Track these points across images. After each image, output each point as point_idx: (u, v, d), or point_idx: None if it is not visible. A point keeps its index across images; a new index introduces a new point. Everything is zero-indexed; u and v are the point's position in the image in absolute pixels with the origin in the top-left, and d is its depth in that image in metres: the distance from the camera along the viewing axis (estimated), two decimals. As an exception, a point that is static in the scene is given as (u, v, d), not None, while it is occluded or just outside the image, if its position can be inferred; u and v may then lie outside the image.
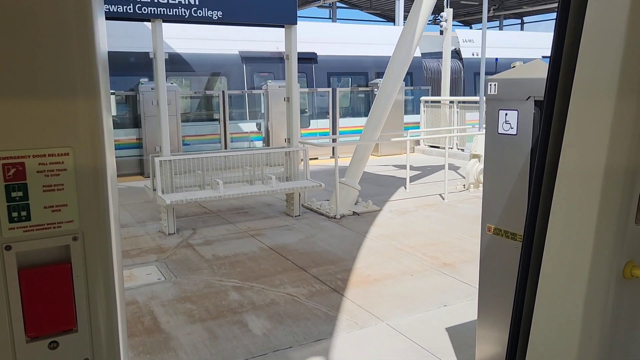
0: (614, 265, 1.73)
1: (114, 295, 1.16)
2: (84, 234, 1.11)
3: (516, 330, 2.07)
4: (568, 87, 1.73)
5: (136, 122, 12.41)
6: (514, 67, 2.96)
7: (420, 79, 16.97)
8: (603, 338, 1.80)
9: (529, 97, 2.76)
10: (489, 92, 2.98)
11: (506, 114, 2.86)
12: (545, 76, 1.87)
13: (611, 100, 1.61)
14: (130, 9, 6.80)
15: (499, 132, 2.93)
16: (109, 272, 1.14)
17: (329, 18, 31.39)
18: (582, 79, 1.69)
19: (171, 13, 6.94)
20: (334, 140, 12.67)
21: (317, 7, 26.93)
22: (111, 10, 6.72)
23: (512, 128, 2.84)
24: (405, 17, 11.50)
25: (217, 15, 7.27)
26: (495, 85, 2.93)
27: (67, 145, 1.07)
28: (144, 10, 6.82)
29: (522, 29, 34.96)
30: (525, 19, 34.51)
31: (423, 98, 15.65)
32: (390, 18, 30.71)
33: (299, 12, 9.82)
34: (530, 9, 29.46)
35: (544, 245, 1.88)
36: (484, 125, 3.18)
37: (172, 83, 12.07)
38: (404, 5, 20.83)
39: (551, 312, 1.89)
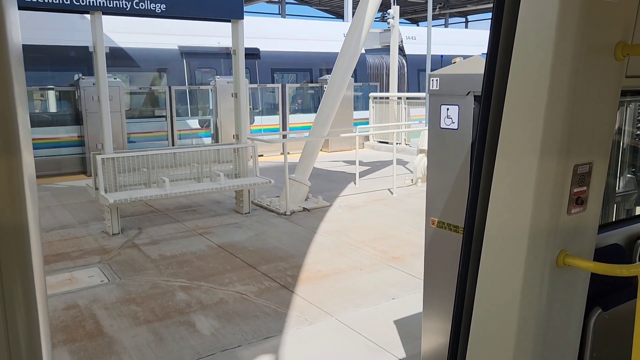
0: (548, 254, 1.79)
1: (34, 302, 1.09)
2: None
3: (458, 319, 2.11)
4: (504, 82, 1.78)
5: (77, 119, 11.93)
6: (455, 62, 3.02)
7: (364, 75, 17.16)
8: (539, 323, 1.86)
9: (469, 92, 2.82)
10: (431, 88, 3.02)
11: (448, 109, 2.91)
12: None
13: (543, 95, 1.66)
14: (67, 0, 6.50)
15: (441, 126, 2.98)
16: (28, 278, 1.07)
17: (279, 14, 31.23)
18: (515, 74, 1.73)
19: (111, 5, 6.68)
20: (283, 137, 12.61)
21: (266, 2, 26.73)
22: (47, 1, 6.41)
23: (453, 123, 2.90)
24: (354, 14, 11.60)
25: (160, 8, 7.06)
26: (437, 80, 2.98)
27: None
28: (82, 1, 6.53)
29: (466, 26, 35.99)
30: (469, 17, 35.55)
31: (372, 94, 15.82)
32: (339, 15, 30.88)
33: (248, 8, 9.68)
34: (474, 7, 30.39)
35: (483, 237, 1.93)
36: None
37: (115, 78, 11.66)
38: (353, 2, 21.00)
39: (491, 300, 1.94)
